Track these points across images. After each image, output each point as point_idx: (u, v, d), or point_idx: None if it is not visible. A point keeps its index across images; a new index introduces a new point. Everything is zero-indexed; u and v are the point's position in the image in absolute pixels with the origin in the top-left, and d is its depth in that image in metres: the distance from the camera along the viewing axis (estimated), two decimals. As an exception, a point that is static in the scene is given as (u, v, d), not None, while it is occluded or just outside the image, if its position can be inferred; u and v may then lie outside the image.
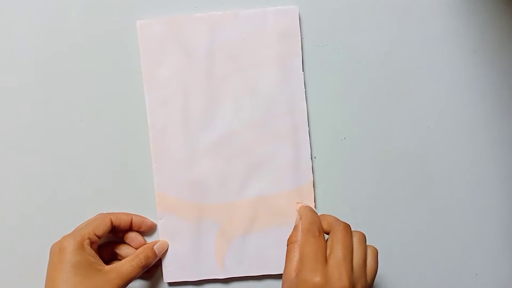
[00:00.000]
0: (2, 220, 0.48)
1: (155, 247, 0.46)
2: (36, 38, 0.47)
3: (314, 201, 0.47)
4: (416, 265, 0.48)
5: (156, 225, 0.47)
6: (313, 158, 0.47)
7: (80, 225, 0.45)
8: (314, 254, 0.38)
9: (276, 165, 0.47)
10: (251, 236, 0.47)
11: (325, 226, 0.41)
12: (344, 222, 0.41)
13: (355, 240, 0.40)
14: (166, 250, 0.47)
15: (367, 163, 0.48)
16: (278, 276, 0.48)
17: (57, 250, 0.42)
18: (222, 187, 0.47)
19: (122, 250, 0.46)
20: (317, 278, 0.37)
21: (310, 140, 0.47)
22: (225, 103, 0.47)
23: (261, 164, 0.47)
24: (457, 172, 0.48)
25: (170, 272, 0.47)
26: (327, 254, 0.39)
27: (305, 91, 0.47)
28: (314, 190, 0.47)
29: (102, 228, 0.44)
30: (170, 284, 0.48)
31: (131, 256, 0.44)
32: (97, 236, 0.44)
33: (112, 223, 0.45)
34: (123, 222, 0.46)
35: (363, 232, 0.41)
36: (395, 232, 0.48)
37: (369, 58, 0.47)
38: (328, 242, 0.40)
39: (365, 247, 0.40)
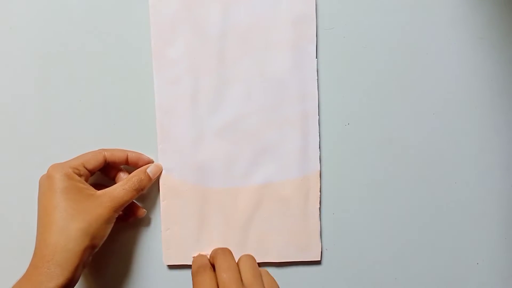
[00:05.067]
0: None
1: (148, 169, 0.45)
2: (37, 13, 0.46)
3: (320, 191, 0.47)
4: (417, 254, 0.48)
5: (153, 161, 0.46)
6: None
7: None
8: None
9: (284, 152, 0.46)
10: (254, 222, 0.47)
11: (211, 260, 0.44)
12: (222, 248, 0.45)
13: (242, 258, 0.43)
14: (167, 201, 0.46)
15: (371, 149, 0.47)
16: (278, 264, 0.47)
17: (45, 178, 0.41)
18: (228, 172, 0.46)
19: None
20: None
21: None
22: (235, 86, 0.46)
23: (268, 150, 0.46)
24: (460, 160, 0.48)
25: (170, 254, 0.47)
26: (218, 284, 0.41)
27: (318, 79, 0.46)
28: (320, 180, 0.47)
29: (93, 162, 0.43)
30: (170, 266, 0.48)
31: (124, 180, 0.44)
32: (87, 169, 0.43)
33: (105, 159, 0.44)
34: (118, 158, 0.45)
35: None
36: (397, 220, 0.48)
37: (376, 43, 0.47)
38: (216, 272, 0.42)
39: (250, 261, 0.43)
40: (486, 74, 0.47)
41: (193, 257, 0.46)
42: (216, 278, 0.41)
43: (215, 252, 0.44)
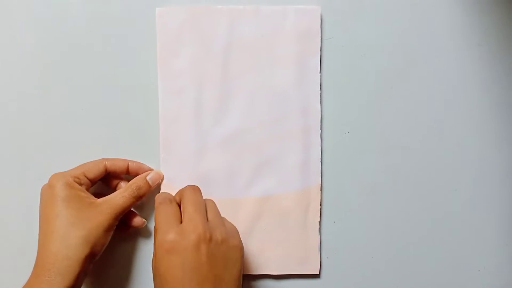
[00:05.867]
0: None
1: (148, 177, 0.45)
2: (41, 22, 0.46)
3: (320, 205, 0.47)
4: (418, 261, 0.48)
5: (153, 170, 0.46)
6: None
7: None
8: (165, 219, 0.39)
9: (285, 165, 0.47)
10: (253, 234, 0.47)
11: (177, 197, 0.43)
12: (192, 185, 0.43)
13: (207, 200, 0.42)
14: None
15: (371, 157, 0.48)
16: (276, 277, 0.47)
17: (46, 187, 0.42)
18: (229, 183, 0.47)
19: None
20: (170, 236, 0.38)
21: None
22: (238, 98, 0.47)
23: (270, 163, 0.47)
24: (460, 168, 0.48)
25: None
26: (182, 216, 0.40)
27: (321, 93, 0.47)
28: (321, 192, 0.47)
29: (94, 171, 0.43)
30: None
31: (123, 187, 0.44)
32: (88, 178, 0.43)
33: (106, 168, 0.44)
34: (119, 168, 0.45)
35: None
36: (398, 227, 0.48)
37: (374, 52, 0.47)
38: (181, 206, 0.41)
39: (213, 203, 0.43)
40: (485, 81, 0.48)
41: (157, 195, 0.43)
42: (181, 211, 0.40)
43: (184, 188, 0.43)
